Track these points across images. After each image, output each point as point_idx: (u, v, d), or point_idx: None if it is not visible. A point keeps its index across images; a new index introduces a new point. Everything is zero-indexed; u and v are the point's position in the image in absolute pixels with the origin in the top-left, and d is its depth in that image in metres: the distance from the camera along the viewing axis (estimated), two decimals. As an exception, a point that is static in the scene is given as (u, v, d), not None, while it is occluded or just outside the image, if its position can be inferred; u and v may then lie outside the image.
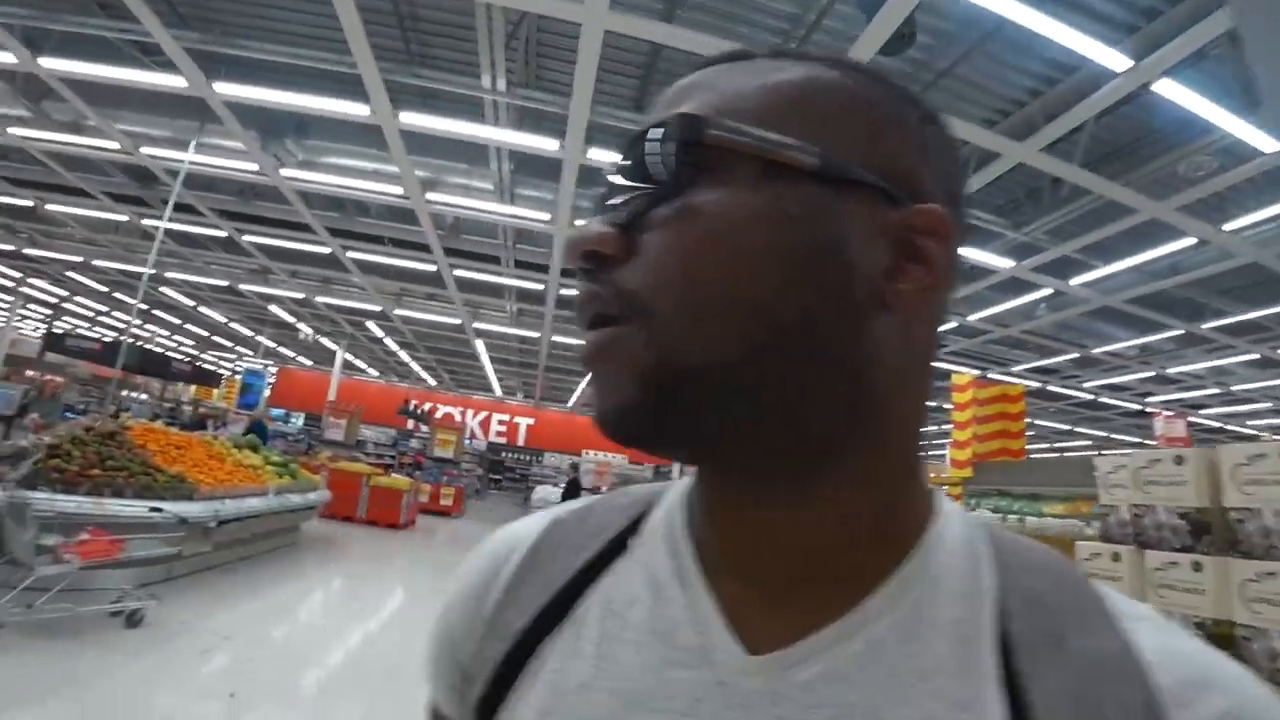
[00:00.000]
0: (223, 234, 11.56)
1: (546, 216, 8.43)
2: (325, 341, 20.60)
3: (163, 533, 5.16)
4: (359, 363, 25.11)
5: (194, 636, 4.67)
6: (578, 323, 0.40)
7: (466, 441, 21.05)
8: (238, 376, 27.74)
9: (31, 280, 20.39)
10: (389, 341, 19.31)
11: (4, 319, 23.47)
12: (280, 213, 10.23)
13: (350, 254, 11.29)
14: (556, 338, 14.92)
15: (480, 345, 16.97)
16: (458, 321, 14.66)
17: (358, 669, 4.77)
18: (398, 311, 14.58)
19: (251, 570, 7.01)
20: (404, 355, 21.60)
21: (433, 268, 11.25)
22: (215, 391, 25.55)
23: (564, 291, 11.43)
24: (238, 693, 3.87)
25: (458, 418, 26.28)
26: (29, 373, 19.06)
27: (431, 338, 18.13)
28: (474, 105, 6.70)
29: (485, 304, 13.70)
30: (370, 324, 17.17)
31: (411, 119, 6.67)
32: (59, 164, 10.03)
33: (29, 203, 12.25)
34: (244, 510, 6.56)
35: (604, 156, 6.77)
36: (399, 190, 8.30)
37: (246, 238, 11.43)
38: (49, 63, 6.88)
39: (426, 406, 25.39)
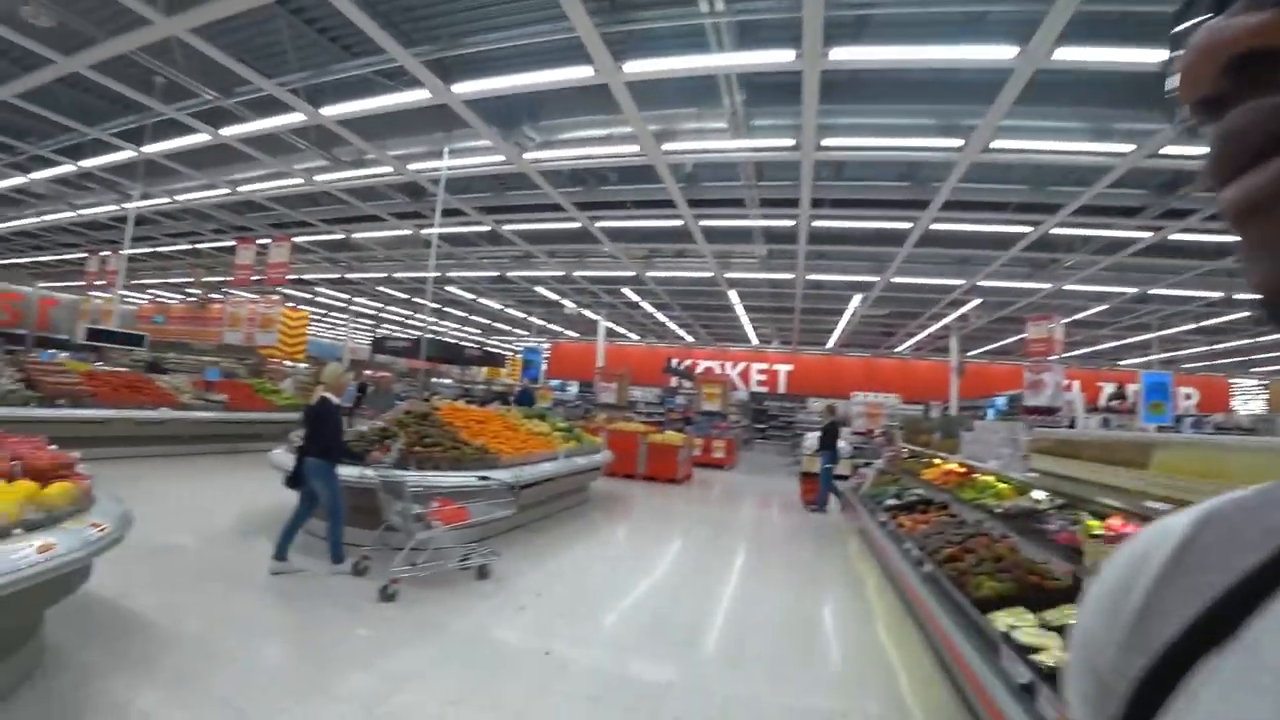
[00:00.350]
0: (485, 228, 12.55)
1: (790, 142, 7.63)
2: (587, 313, 21.92)
3: (492, 498, 5.64)
4: (620, 329, 26.48)
5: (510, 592, 5.13)
6: (1219, 167, 0.30)
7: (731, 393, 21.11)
8: (519, 355, 31.02)
9: (357, 299, 24.75)
10: (645, 305, 19.89)
11: (344, 333, 28.99)
12: (531, 198, 10.77)
13: (598, 224, 11.53)
14: (811, 276, 14.02)
15: (733, 295, 16.67)
16: (709, 274, 14.45)
17: (658, 624, 4.71)
18: (649, 274, 14.80)
19: (552, 528, 7.50)
20: (661, 316, 22.18)
21: (678, 222, 11.04)
22: (502, 370, 28.82)
23: (817, 224, 10.53)
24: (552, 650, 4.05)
25: (718, 370, 26.53)
26: (365, 372, 23.44)
27: (685, 294, 18.28)
28: (695, 36, 6.12)
29: (734, 253, 13.25)
30: (626, 290, 17.77)
31: (635, 67, 6.31)
32: (354, 197, 11.63)
33: (340, 236, 14.54)
34: (540, 474, 6.96)
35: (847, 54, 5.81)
36: (635, 149, 8.10)
37: (506, 227, 12.28)
38: (328, 111, 7.76)
39: (688, 363, 25.98)
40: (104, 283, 15.28)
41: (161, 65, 7.14)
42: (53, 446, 4.01)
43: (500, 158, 8.76)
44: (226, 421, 11.81)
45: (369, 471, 5.28)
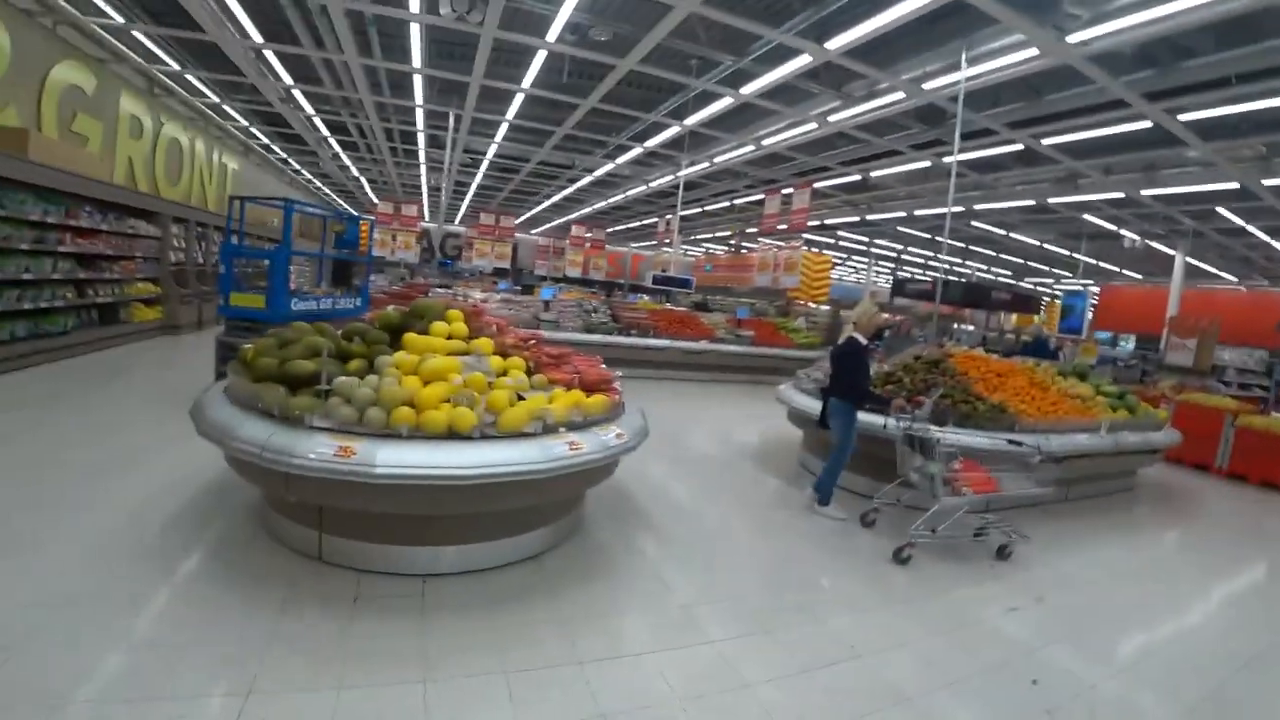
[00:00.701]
0: (1018, 146, 10.66)
1: None
2: (1157, 246, 17.12)
3: (1024, 469, 4.90)
4: (1206, 267, 19.95)
5: (1008, 586, 4.29)
6: None
7: None
8: (1057, 300, 26.51)
9: (877, 241, 24.57)
10: (1253, 230, 14.42)
11: (865, 276, 29.33)
12: (1077, 98, 8.64)
13: (1182, 116, 8.53)
14: None
15: None
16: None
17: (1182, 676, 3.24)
18: (1267, 181, 10.45)
19: (1075, 515, 6.05)
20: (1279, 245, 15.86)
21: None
22: (1036, 318, 25.08)
23: None
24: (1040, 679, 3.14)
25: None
26: (884, 315, 23.35)
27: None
28: None
29: None
30: (1222, 209, 13.12)
31: None
32: (869, 133, 11.20)
33: (857, 176, 14.38)
34: (1070, 447, 5.61)
35: None
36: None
37: (1045, 141, 10.19)
38: (833, 43, 7.47)
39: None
40: (668, 240, 18.73)
41: (689, 45, 8.01)
42: (603, 365, 4.86)
43: (1033, 51, 7.14)
44: (752, 355, 13.12)
45: (891, 421, 4.95)
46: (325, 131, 15.22)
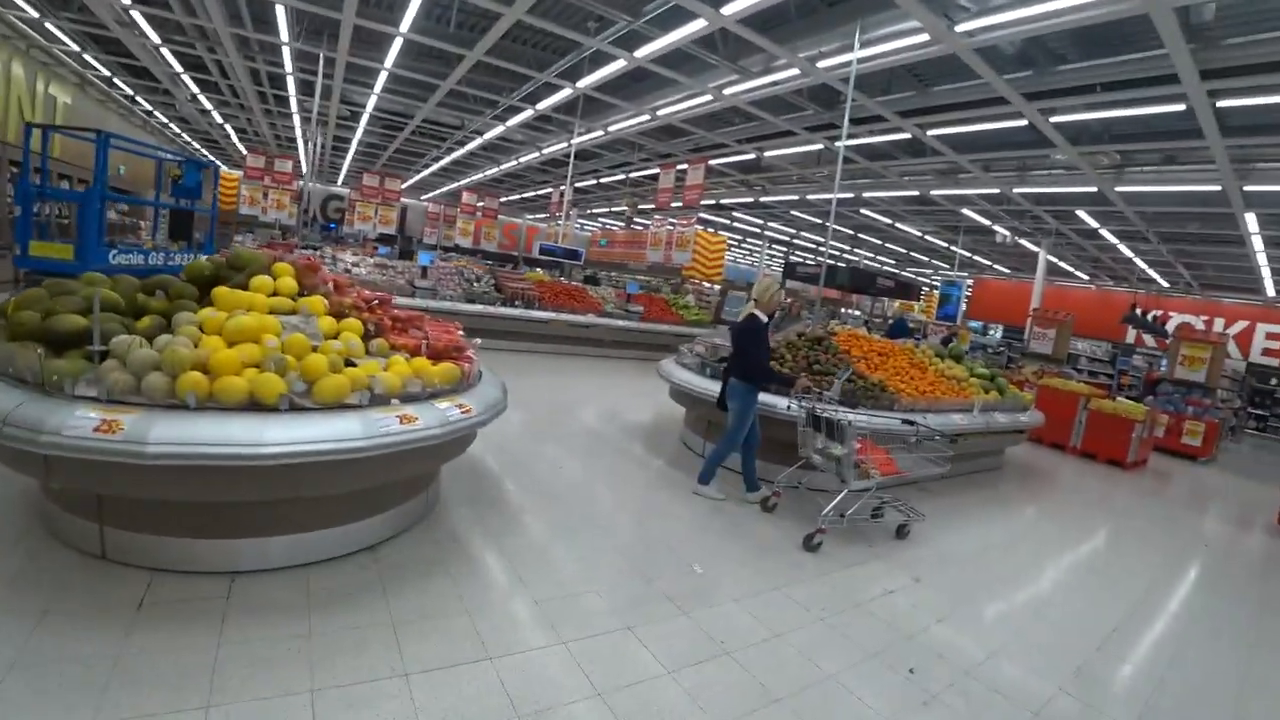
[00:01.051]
0: (905, 135, 10.88)
1: None
2: (1024, 243, 18.30)
3: (919, 450, 4.98)
4: (1064, 265, 21.62)
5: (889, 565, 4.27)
6: None
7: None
8: (935, 290, 28.07)
9: (770, 224, 24.93)
10: (1105, 233, 15.62)
11: (759, 259, 29.88)
12: (963, 93, 8.86)
13: (1053, 119, 8.95)
14: None
15: (1250, 220, 11.78)
16: (1214, 188, 10.35)
17: (1060, 640, 3.24)
18: (1119, 188, 11.25)
19: (951, 492, 6.20)
20: (1125, 249, 17.31)
21: (1176, 107, 7.85)
22: (915, 305, 26.43)
23: None
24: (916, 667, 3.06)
25: (1200, 326, 19.88)
26: (783, 293, 23.80)
27: (1168, 219, 13.73)
28: None
29: (1262, 152, 9.14)
30: (1080, 212, 14.08)
31: None
32: (765, 111, 11.08)
33: (752, 155, 14.34)
34: (947, 426, 5.65)
35: None
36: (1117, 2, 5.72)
37: (930, 132, 10.44)
38: (729, 8, 7.18)
39: (1157, 313, 20.05)
40: (561, 212, 18.11)
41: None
42: (460, 333, 4.35)
43: (925, 37, 7.15)
44: (641, 331, 12.91)
45: (794, 404, 4.78)
46: (178, 67, 13.42)
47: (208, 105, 17.45)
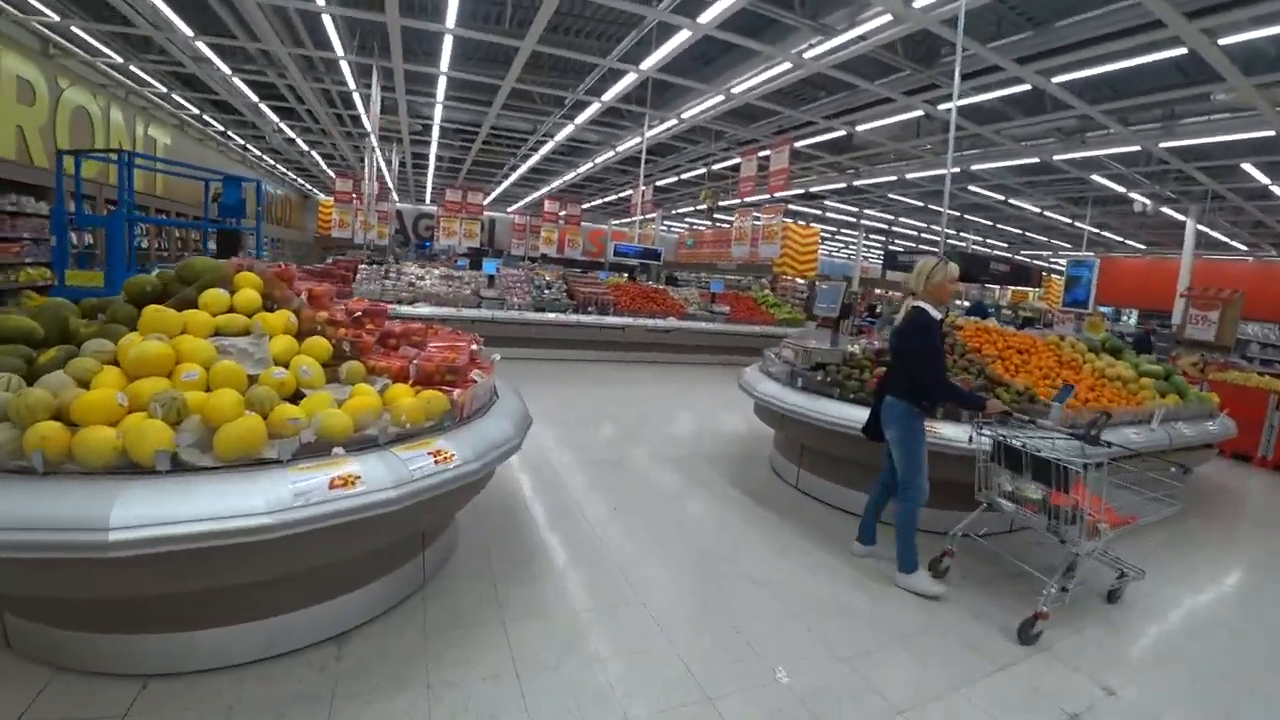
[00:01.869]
0: (1024, 88, 9.26)
1: None
2: (1168, 212, 15.84)
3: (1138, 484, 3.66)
4: (1215, 234, 18.60)
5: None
6: None
7: None
8: (1053, 275, 25.36)
9: (867, 212, 23.12)
10: (1277, 189, 13.12)
11: (853, 252, 28.02)
12: (1097, 26, 7.30)
13: (1221, 39, 7.10)
14: None
15: None
16: None
17: None
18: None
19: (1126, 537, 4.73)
20: (1301, 209, 14.60)
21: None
22: (1031, 292, 23.90)
23: None
24: None
25: None
26: (876, 290, 22.20)
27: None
28: None
29: None
30: (1247, 164, 11.80)
31: None
32: (853, 75, 9.76)
33: (843, 131, 12.96)
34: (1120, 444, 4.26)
35: None
36: None
37: (1055, 79, 8.79)
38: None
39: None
40: (642, 213, 17.34)
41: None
42: (474, 347, 3.54)
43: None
44: (727, 333, 11.89)
45: (985, 431, 3.51)
46: (253, 96, 13.62)
47: (290, 133, 17.83)
